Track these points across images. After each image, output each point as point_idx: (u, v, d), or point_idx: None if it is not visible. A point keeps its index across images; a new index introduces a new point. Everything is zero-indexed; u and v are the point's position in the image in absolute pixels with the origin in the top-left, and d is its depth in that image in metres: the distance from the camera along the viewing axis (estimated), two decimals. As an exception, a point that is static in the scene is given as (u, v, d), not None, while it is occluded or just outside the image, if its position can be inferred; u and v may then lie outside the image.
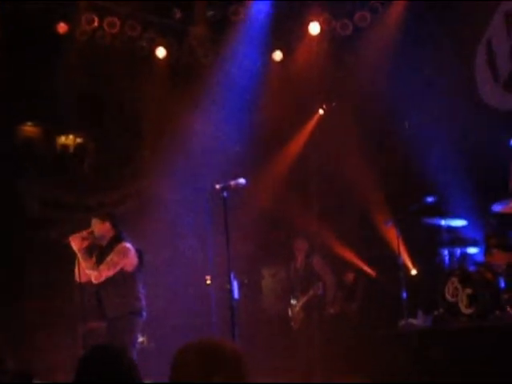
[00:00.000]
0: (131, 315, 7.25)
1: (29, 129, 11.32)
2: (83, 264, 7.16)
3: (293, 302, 10.02)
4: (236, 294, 6.83)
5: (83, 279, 7.21)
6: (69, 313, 9.44)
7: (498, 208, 8.30)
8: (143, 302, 7.35)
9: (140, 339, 9.26)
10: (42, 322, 9.92)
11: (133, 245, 7.36)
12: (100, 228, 7.31)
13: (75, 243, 7.16)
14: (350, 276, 10.69)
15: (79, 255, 7.16)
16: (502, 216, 8.31)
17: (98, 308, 7.31)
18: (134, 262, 7.30)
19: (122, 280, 7.23)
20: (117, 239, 7.32)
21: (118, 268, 7.19)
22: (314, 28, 11.08)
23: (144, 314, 7.37)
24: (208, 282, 10.09)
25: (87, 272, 7.17)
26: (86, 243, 7.22)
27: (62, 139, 11.54)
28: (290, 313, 10.13)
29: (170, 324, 10.20)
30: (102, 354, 3.52)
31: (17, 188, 10.80)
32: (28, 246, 10.42)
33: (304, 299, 9.93)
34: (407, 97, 10.26)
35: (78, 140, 11.61)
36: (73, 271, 7.28)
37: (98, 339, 7.74)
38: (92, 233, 7.28)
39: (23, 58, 10.36)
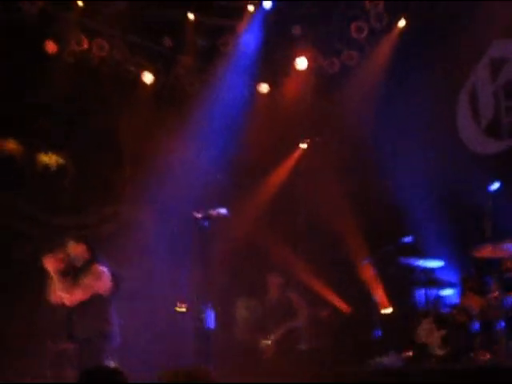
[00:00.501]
0: (101, 338, 7.18)
1: (10, 145, 11.26)
2: (57, 285, 7.10)
3: (265, 336, 9.98)
4: (211, 324, 6.80)
5: (55, 299, 7.15)
6: (37, 333, 9.32)
7: (475, 252, 8.37)
8: (115, 328, 7.29)
9: (111, 365, 9.16)
10: (10, 342, 9.77)
11: (109, 268, 7.30)
12: (75, 250, 7.29)
13: (50, 264, 7.10)
14: (325, 312, 10.67)
15: (53, 276, 7.10)
16: (479, 260, 8.38)
17: (67, 329, 7.23)
18: (108, 286, 7.26)
19: (95, 303, 7.19)
20: (92, 262, 7.28)
21: (91, 291, 7.14)
22: (302, 63, 11.18)
23: (116, 339, 7.29)
24: (183, 309, 10.03)
25: (60, 294, 7.10)
26: (60, 264, 7.16)
27: (44, 158, 11.48)
28: (260, 346, 10.09)
29: (143, 351, 10.09)
30: (99, 375, 3.54)
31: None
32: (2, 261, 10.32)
33: (277, 334, 9.89)
34: (390, 136, 10.38)
35: (60, 160, 11.55)
36: (43, 290, 7.20)
37: (67, 361, 7.65)
38: (67, 254, 7.23)
39: (9, 74, 10.34)
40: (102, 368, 3.73)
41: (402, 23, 10.53)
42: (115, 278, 7.37)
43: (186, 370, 3.23)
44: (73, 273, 7.25)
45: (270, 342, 9.90)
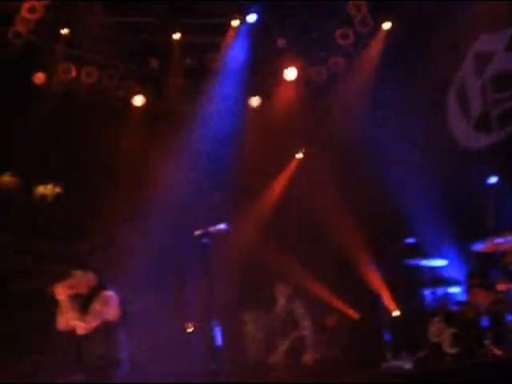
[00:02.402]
0: (111, 367, 7.14)
1: (6, 179, 11.26)
2: (69, 314, 7.04)
3: (274, 347, 9.97)
4: (219, 341, 6.75)
5: (65, 328, 7.11)
6: (47, 364, 9.28)
7: (478, 247, 8.36)
8: (124, 354, 7.24)
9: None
10: (20, 373, 9.74)
11: (116, 294, 7.27)
12: (83, 278, 7.24)
13: (60, 293, 7.06)
14: (332, 319, 10.63)
15: (64, 305, 7.06)
16: (482, 255, 8.36)
17: (77, 359, 7.17)
18: (117, 312, 7.21)
19: (104, 330, 7.12)
20: (100, 288, 7.25)
21: (102, 317, 7.10)
22: (290, 74, 11.20)
23: (126, 365, 7.25)
24: (190, 329, 9.99)
25: (72, 323, 7.06)
26: (71, 292, 7.13)
27: (41, 189, 11.48)
28: (270, 360, 10.05)
29: (152, 374, 10.04)
30: None
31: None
32: (5, 297, 10.29)
33: (285, 345, 9.88)
34: (382, 139, 10.38)
35: (57, 189, 11.55)
36: (49, 322, 7.16)
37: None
38: (75, 282, 7.21)
39: (1, 107, 10.36)
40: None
41: (387, 25, 10.54)
42: (122, 303, 7.33)
43: None
44: (82, 300, 7.20)
45: (278, 356, 9.89)
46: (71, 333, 7.15)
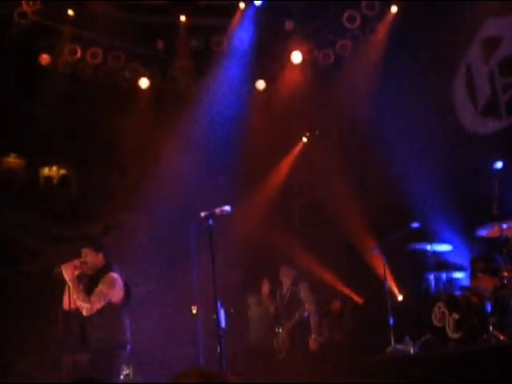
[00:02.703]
0: (116, 349, 7.14)
1: (12, 160, 11.28)
2: (75, 295, 7.05)
3: (278, 330, 10.01)
4: (223, 323, 6.76)
5: (72, 307, 7.13)
6: (53, 342, 9.32)
7: (482, 232, 8.35)
8: (128, 335, 7.26)
9: (126, 372, 9.15)
10: (26, 351, 9.80)
11: (121, 276, 7.28)
12: (94, 258, 7.24)
13: (67, 272, 7.05)
14: (337, 304, 10.65)
15: (71, 285, 7.04)
16: (486, 240, 8.35)
17: (81, 339, 7.18)
18: (121, 294, 7.21)
19: (109, 312, 7.11)
20: (106, 269, 7.26)
21: (107, 299, 7.10)
22: (297, 57, 11.16)
23: (129, 347, 7.27)
24: (194, 311, 10.00)
25: (78, 304, 7.07)
26: (77, 272, 7.14)
27: (46, 170, 11.49)
28: (275, 343, 10.10)
29: (157, 356, 10.09)
30: None
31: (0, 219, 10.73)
32: (13, 276, 10.34)
33: (289, 325, 9.92)
34: (389, 123, 10.35)
35: (62, 171, 11.56)
36: (56, 301, 7.17)
37: (82, 372, 7.60)
38: (84, 262, 7.20)
39: (6, 89, 10.34)
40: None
41: (394, 9, 10.49)
42: (127, 286, 7.34)
43: (201, 371, 3.20)
44: (86, 281, 7.21)
45: (282, 331, 9.94)
46: (77, 313, 7.15)
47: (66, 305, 7.12)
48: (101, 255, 7.27)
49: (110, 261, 7.32)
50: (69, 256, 7.33)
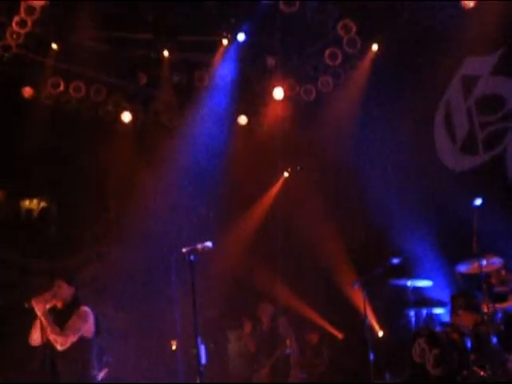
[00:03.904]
0: (87, 382, 7.10)
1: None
2: (48, 329, 6.96)
3: (258, 367, 9.99)
4: (203, 359, 6.73)
5: (38, 343, 7.05)
6: (26, 377, 9.21)
7: (462, 268, 8.39)
8: (96, 371, 7.23)
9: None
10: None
11: (92, 310, 7.24)
12: (65, 291, 7.18)
13: (38, 306, 6.97)
14: (314, 337, 10.62)
15: (43, 319, 6.94)
16: (466, 276, 8.40)
17: (51, 374, 7.08)
18: (92, 328, 7.17)
19: (80, 346, 7.04)
20: (76, 302, 7.22)
21: (80, 333, 7.03)
22: (278, 93, 11.25)
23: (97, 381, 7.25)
24: (174, 347, 9.94)
25: (52, 337, 6.98)
26: (48, 306, 7.06)
27: (27, 203, 11.44)
28: (255, 379, 10.05)
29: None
30: None
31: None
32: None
33: (271, 362, 9.88)
34: (370, 160, 10.44)
35: (42, 204, 11.52)
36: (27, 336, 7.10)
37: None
38: (55, 294, 7.14)
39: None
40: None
41: (375, 47, 10.62)
42: (97, 319, 7.29)
43: None
44: (57, 315, 7.14)
45: (262, 375, 9.91)
46: (47, 347, 7.06)
47: (35, 341, 7.04)
48: (73, 288, 7.23)
49: (78, 294, 7.29)
50: (43, 289, 7.27)
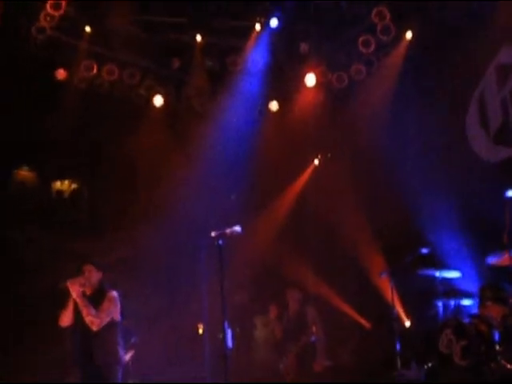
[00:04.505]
0: (117, 363, 7.32)
1: (24, 173, 11.34)
2: (84, 310, 7.13)
3: (284, 353, 10.00)
4: (230, 344, 6.77)
5: (68, 324, 7.20)
6: (57, 357, 9.35)
7: (492, 260, 8.33)
8: (123, 352, 7.45)
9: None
10: (30, 365, 9.82)
11: (118, 294, 7.40)
12: (94, 276, 7.36)
13: (74, 288, 7.14)
14: (339, 324, 10.61)
15: (79, 301, 7.15)
16: (496, 268, 8.33)
17: (85, 354, 7.22)
18: (119, 312, 7.39)
19: (109, 328, 7.25)
20: (104, 287, 7.37)
21: (111, 316, 7.26)
22: (311, 79, 11.21)
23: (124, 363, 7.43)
24: (200, 330, 10.01)
25: (88, 319, 7.14)
26: (81, 289, 7.22)
27: (58, 184, 11.55)
28: (281, 365, 10.07)
29: (162, 373, 10.08)
30: None
31: (10, 232, 10.78)
32: (19, 289, 10.36)
33: (296, 348, 9.90)
34: (402, 148, 10.37)
35: (73, 185, 11.62)
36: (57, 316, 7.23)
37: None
38: (88, 279, 7.28)
39: (21, 102, 10.43)
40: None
41: (409, 35, 10.52)
42: (121, 303, 7.46)
43: None
44: (91, 299, 7.27)
45: (288, 362, 9.93)
46: (77, 329, 7.19)
47: (66, 321, 7.20)
48: (100, 274, 7.40)
49: (104, 280, 7.44)
50: (73, 272, 7.39)
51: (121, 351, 7.38)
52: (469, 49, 9.82)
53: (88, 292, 7.31)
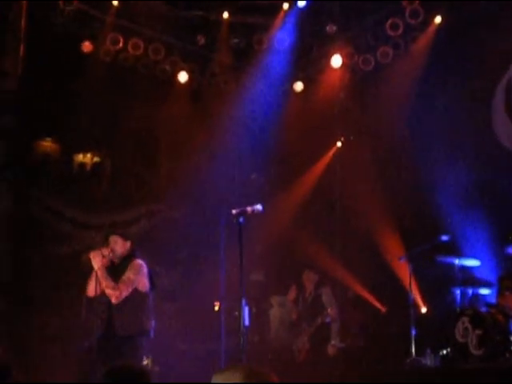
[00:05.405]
0: (140, 335, 7.25)
1: (47, 144, 11.38)
2: (104, 283, 7.10)
3: (299, 334, 10.02)
4: (247, 322, 6.77)
5: (97, 294, 7.19)
6: (78, 327, 9.41)
7: (511, 250, 8.28)
8: (152, 323, 7.33)
9: (144, 361, 9.21)
10: (51, 336, 9.89)
11: (146, 264, 7.36)
12: (122, 246, 7.33)
13: (96, 260, 7.12)
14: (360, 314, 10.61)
15: (99, 273, 7.10)
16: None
17: (107, 325, 7.23)
18: (147, 282, 7.31)
19: (135, 299, 7.20)
20: (132, 257, 7.33)
21: (134, 286, 7.19)
22: (336, 61, 11.13)
23: (152, 334, 7.35)
24: (216, 308, 10.04)
25: (107, 292, 7.13)
26: (105, 260, 7.20)
27: (80, 157, 11.59)
28: (294, 345, 10.10)
29: (177, 349, 10.13)
30: (124, 375, 3.56)
31: (32, 202, 10.84)
32: (40, 259, 10.44)
33: (311, 330, 9.92)
34: (424, 134, 10.29)
35: (96, 159, 11.65)
36: (81, 287, 7.25)
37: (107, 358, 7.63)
38: (112, 250, 7.27)
39: (46, 74, 10.45)
40: (127, 367, 3.71)
41: (438, 20, 10.40)
42: (151, 274, 7.41)
43: (249, 368, 3.20)
44: (114, 269, 7.27)
45: (302, 342, 9.96)
46: (103, 299, 7.20)
47: (91, 292, 7.19)
48: (128, 243, 7.37)
49: (135, 249, 7.40)
50: (96, 243, 7.41)
51: (147, 322, 7.27)
52: (497, 35, 9.68)
53: (116, 262, 7.31)
